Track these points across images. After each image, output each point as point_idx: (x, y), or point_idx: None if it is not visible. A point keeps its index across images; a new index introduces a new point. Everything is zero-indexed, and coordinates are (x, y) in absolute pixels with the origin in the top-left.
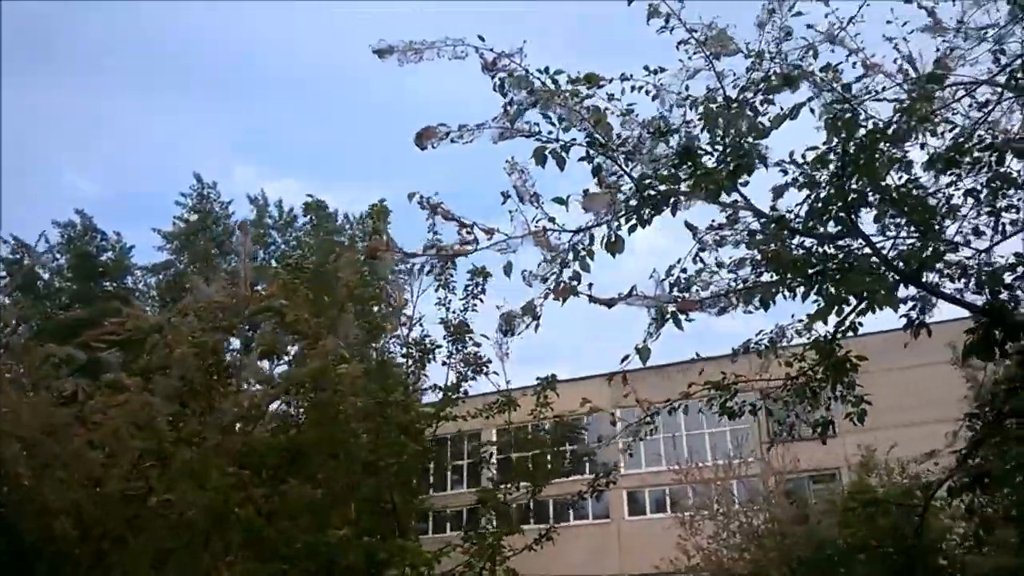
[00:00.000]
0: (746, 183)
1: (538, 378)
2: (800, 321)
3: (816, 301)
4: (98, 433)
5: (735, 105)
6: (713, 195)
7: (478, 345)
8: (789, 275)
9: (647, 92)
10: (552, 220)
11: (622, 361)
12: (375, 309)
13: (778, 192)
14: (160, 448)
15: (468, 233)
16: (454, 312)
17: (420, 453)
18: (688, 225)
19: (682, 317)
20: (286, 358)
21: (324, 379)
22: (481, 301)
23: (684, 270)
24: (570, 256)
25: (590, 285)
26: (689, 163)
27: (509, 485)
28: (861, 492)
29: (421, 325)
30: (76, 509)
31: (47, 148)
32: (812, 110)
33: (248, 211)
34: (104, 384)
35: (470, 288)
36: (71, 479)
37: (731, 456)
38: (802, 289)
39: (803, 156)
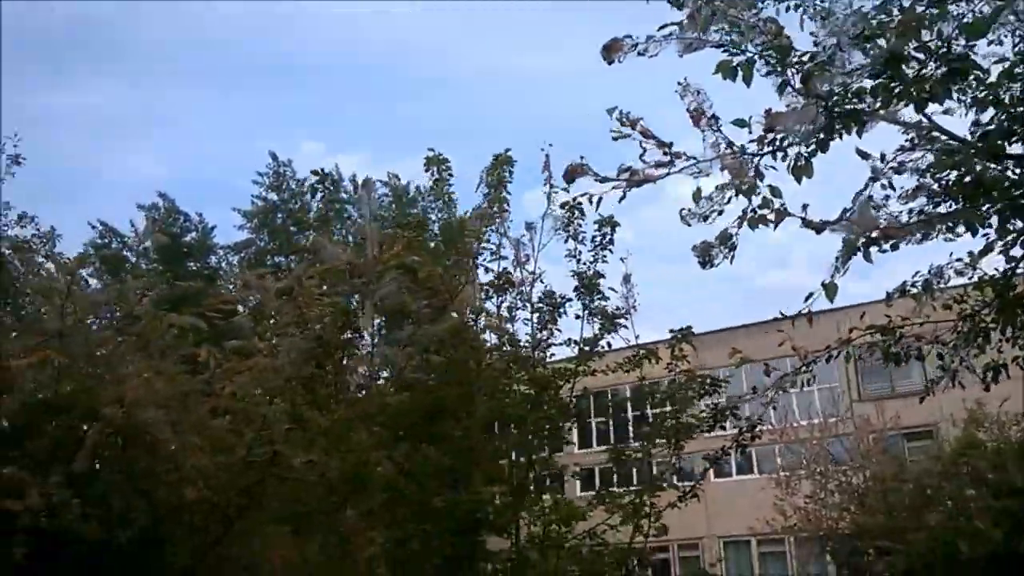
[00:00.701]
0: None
1: (671, 331)
2: (959, 260)
3: (986, 235)
4: (224, 399)
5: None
6: (922, 104)
7: (606, 298)
8: (985, 201)
9: (804, 11)
10: (731, 144)
11: (806, 300)
12: (495, 266)
13: (981, 103)
14: (294, 411)
15: (665, 154)
16: (584, 264)
17: (559, 410)
18: (860, 152)
19: (874, 249)
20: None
21: (461, 336)
22: (611, 252)
23: (871, 197)
24: (753, 178)
25: (805, 206)
26: (890, 73)
27: (646, 442)
28: (971, 447)
29: (542, 281)
30: (204, 477)
31: (115, 141)
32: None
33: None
34: (231, 351)
35: (597, 239)
36: (196, 447)
37: (825, 415)
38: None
39: (987, 71)
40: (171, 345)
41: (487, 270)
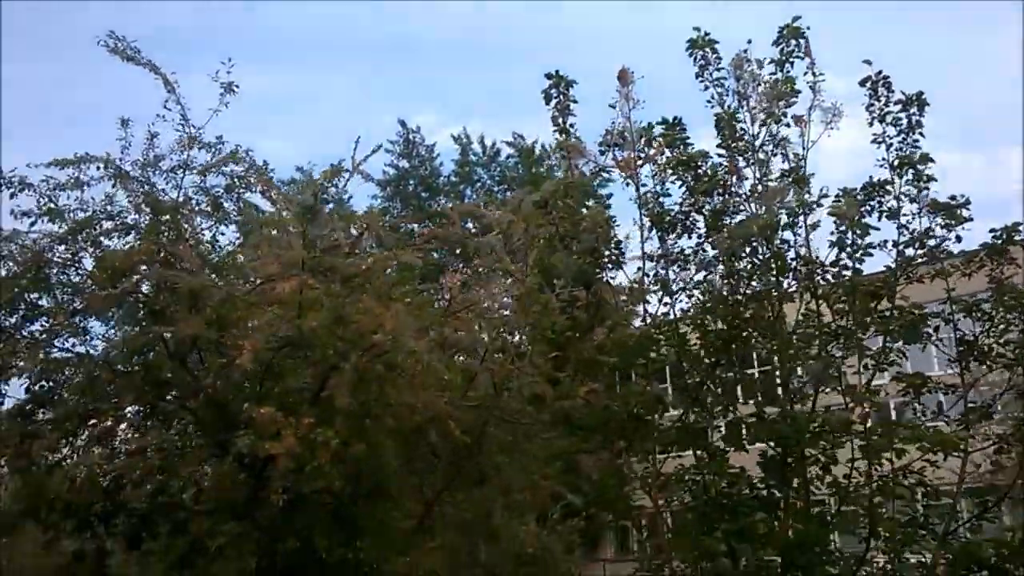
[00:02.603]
0: None
1: (992, 229)
2: None
3: None
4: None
5: None
6: None
7: (925, 188)
8: None
9: None
10: None
11: None
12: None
13: None
14: (557, 338)
15: None
16: (895, 150)
17: (906, 326)
18: None
19: None
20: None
21: (767, 237)
22: (922, 136)
23: None
24: None
25: None
26: None
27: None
28: None
29: (807, 183)
30: (447, 416)
31: (248, 121)
32: None
33: (453, 149)
34: (463, 281)
35: (903, 122)
36: (441, 383)
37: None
38: None
39: None
40: (396, 283)
41: (738, 178)
